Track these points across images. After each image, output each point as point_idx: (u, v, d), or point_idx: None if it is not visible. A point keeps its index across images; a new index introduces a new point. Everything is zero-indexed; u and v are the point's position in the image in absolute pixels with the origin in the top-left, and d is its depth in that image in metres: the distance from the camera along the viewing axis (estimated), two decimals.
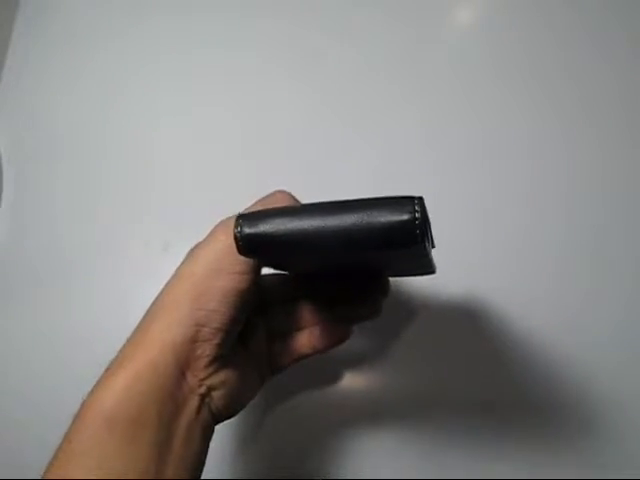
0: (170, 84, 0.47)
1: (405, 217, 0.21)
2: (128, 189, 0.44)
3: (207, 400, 0.26)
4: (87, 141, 0.46)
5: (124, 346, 0.26)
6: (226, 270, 0.25)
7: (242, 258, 0.25)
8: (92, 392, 0.25)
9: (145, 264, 0.42)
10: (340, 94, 0.45)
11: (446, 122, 0.43)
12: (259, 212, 0.23)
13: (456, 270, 0.36)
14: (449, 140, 0.42)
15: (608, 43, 0.44)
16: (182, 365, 0.25)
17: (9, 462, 0.38)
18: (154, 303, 0.27)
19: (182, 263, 0.27)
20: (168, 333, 0.25)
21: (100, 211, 0.44)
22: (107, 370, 0.25)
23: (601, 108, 0.43)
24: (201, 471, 0.26)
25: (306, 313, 0.32)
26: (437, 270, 0.30)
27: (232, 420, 0.29)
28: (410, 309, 0.39)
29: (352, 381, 0.39)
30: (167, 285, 0.27)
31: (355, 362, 0.39)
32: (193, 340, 0.25)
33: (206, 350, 0.26)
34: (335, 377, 0.39)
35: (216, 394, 0.27)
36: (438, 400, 0.37)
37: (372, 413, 0.38)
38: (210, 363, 0.26)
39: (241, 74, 0.46)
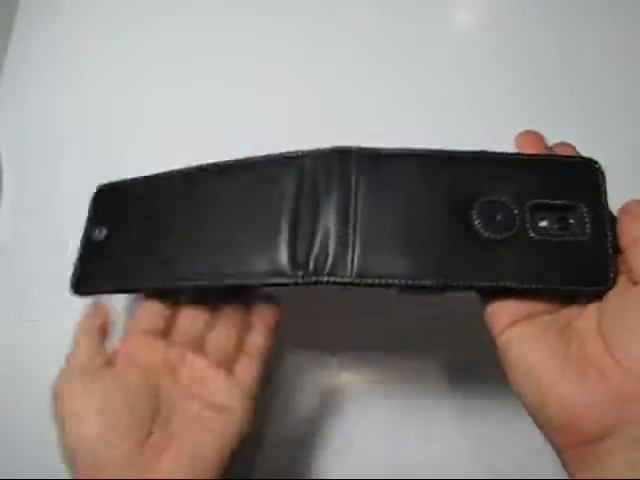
0: (172, 82, 0.47)
1: None
2: None
3: None
4: (88, 141, 0.46)
5: None
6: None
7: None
8: None
9: None
10: (339, 92, 0.45)
11: (447, 120, 0.43)
12: None
13: None
14: (449, 138, 0.42)
15: (609, 42, 0.44)
16: None
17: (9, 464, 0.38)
18: None
19: None
20: None
21: None
22: None
23: (602, 106, 0.43)
24: None
25: None
26: None
27: None
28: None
29: (348, 378, 0.39)
30: None
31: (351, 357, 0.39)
32: None
33: None
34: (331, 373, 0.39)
35: None
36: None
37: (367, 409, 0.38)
38: None
39: (241, 71, 0.46)
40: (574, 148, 0.28)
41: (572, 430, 0.23)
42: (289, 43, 0.47)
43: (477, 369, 0.37)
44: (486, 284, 0.25)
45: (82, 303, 0.42)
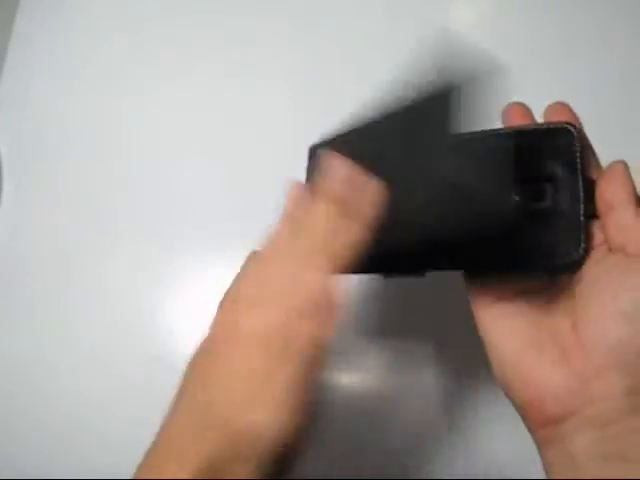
0: (172, 83, 0.47)
1: None
2: (129, 188, 0.44)
3: None
4: (87, 140, 0.46)
5: None
6: None
7: None
8: None
9: (147, 264, 0.42)
10: (338, 91, 0.45)
11: None
12: None
13: None
14: None
15: (615, 40, 0.44)
16: None
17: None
18: None
19: None
20: None
21: (101, 211, 0.44)
22: None
23: (609, 108, 0.42)
24: None
25: None
26: None
27: None
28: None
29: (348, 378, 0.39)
30: None
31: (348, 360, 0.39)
32: None
33: None
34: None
35: None
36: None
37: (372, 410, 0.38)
38: None
39: (241, 72, 0.46)
40: (568, 107, 0.27)
41: (534, 409, 0.23)
42: (290, 40, 0.47)
43: (477, 368, 0.37)
44: (460, 267, 0.26)
45: (79, 305, 0.42)
